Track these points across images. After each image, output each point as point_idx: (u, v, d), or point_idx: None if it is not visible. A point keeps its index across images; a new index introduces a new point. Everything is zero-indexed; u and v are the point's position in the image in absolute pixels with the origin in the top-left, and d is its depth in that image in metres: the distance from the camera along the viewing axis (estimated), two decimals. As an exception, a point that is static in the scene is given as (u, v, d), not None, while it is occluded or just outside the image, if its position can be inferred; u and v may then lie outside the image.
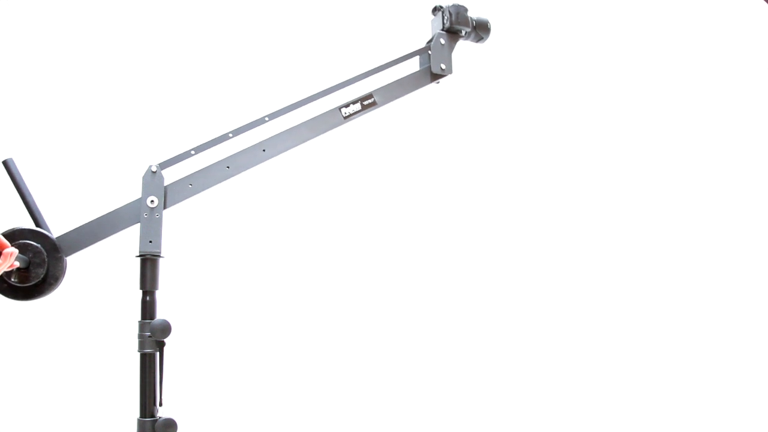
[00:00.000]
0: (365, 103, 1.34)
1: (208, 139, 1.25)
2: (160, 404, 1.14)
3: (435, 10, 1.44)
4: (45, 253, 1.08)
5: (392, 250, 2.01)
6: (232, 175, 1.24)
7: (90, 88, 1.80)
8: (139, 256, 1.16)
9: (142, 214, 1.16)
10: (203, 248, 1.83)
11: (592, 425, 2.03)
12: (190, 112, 1.83)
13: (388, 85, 1.38)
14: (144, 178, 1.18)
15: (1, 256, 0.93)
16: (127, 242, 1.20)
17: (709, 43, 2.32)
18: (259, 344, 1.85)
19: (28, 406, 1.67)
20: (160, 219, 1.16)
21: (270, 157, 1.26)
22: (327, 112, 1.32)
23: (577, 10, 2.22)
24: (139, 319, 1.15)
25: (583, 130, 2.21)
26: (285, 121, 1.31)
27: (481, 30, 1.43)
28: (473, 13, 1.43)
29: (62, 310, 1.72)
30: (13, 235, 1.08)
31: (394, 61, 1.40)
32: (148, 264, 1.16)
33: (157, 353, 1.13)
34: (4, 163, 1.12)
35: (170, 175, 1.22)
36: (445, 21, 1.40)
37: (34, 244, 1.08)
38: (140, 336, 1.14)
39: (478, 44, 1.47)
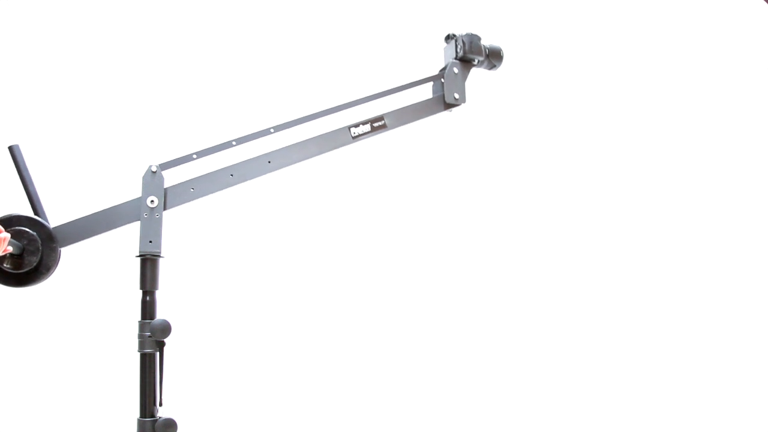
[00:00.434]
0: (375, 125, 1.34)
1: (212, 145, 1.25)
2: (160, 404, 1.14)
3: (448, 38, 1.44)
4: (40, 242, 1.08)
5: (392, 249, 2.01)
6: (236, 184, 1.24)
7: (106, 88, 1.81)
8: (139, 256, 1.16)
9: (142, 214, 1.16)
10: (203, 248, 1.83)
11: (593, 425, 2.03)
12: (200, 115, 1.83)
13: (401, 109, 1.37)
14: (144, 178, 1.18)
15: None
16: (127, 242, 1.20)
17: (710, 44, 2.32)
18: (258, 344, 1.85)
19: (29, 406, 1.67)
20: (160, 219, 1.16)
21: (275, 170, 1.27)
22: (336, 130, 1.32)
23: (577, 22, 2.22)
24: (139, 319, 1.15)
25: (582, 133, 2.21)
26: (290, 134, 1.31)
27: (494, 58, 1.43)
28: (486, 41, 1.43)
29: (62, 310, 1.72)
30: (9, 221, 1.08)
31: (406, 85, 1.39)
32: (148, 264, 1.16)
33: (157, 353, 1.13)
34: (10, 148, 1.12)
35: (173, 177, 1.22)
36: (458, 50, 1.40)
37: (30, 231, 1.08)
38: (140, 336, 1.14)
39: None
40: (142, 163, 1.21)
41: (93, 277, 1.72)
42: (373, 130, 1.33)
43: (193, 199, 1.21)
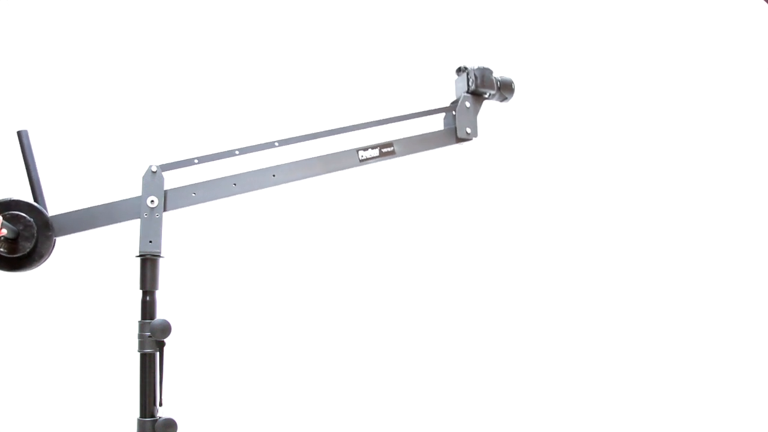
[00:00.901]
0: (384, 150, 1.34)
1: (215, 152, 1.25)
2: (160, 404, 1.14)
3: (459, 70, 1.43)
4: (36, 228, 1.09)
5: (392, 250, 2.01)
6: (238, 193, 1.24)
7: (122, 87, 1.82)
8: (139, 256, 1.16)
9: (142, 214, 1.16)
10: (203, 248, 1.83)
11: (592, 425, 2.03)
12: (211, 120, 1.84)
13: (411, 138, 1.37)
14: (144, 178, 1.18)
15: None
16: (127, 242, 1.20)
17: (712, 46, 2.32)
18: (258, 344, 1.85)
19: (29, 406, 1.67)
20: (160, 219, 1.16)
21: (279, 183, 1.27)
22: (344, 151, 1.32)
23: (583, 45, 2.22)
24: (139, 319, 1.15)
25: (584, 143, 2.21)
26: (295, 149, 1.30)
27: (505, 90, 1.43)
28: (497, 73, 1.42)
29: (62, 310, 1.72)
30: (8, 205, 1.08)
31: (417, 113, 1.39)
32: (148, 264, 1.16)
33: (157, 353, 1.13)
34: (18, 133, 1.12)
35: (174, 179, 1.22)
36: (470, 83, 1.40)
37: (27, 217, 1.09)
38: (140, 336, 1.14)
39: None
40: (149, 162, 1.21)
41: (93, 277, 1.72)
42: (381, 155, 1.33)
43: (193, 204, 1.21)
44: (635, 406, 2.07)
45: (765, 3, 2.35)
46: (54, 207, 1.15)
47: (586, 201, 2.14)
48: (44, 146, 1.21)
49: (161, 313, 1.17)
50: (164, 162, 1.21)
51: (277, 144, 1.28)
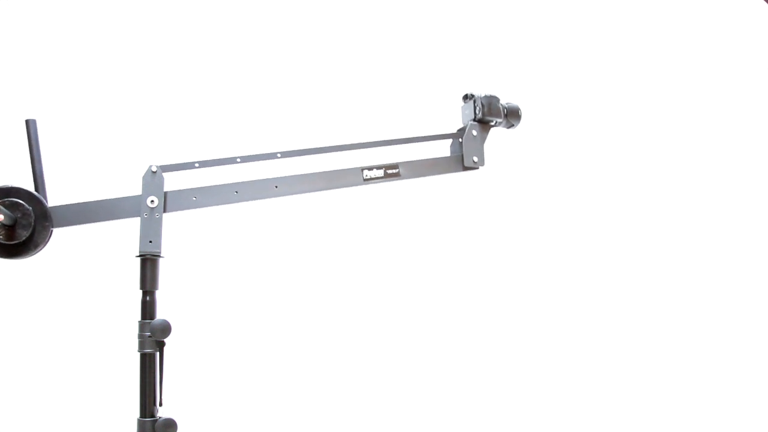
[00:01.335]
0: (389, 171, 1.33)
1: (217, 157, 1.25)
2: (160, 404, 1.14)
3: (466, 97, 1.43)
4: (33, 217, 1.09)
5: (392, 250, 2.01)
6: (238, 201, 1.24)
7: (132, 88, 1.84)
8: (139, 256, 1.16)
9: (142, 214, 1.16)
10: (203, 248, 1.83)
11: (593, 425, 2.03)
12: (218, 123, 1.84)
13: (417, 161, 1.36)
14: (144, 177, 1.18)
15: None
16: (127, 242, 1.20)
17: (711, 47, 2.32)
18: (258, 344, 1.85)
19: (29, 406, 1.67)
20: (160, 219, 1.16)
21: (280, 195, 1.26)
22: (349, 169, 1.31)
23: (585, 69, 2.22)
24: (139, 319, 1.15)
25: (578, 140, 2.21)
26: (298, 161, 1.30)
27: (512, 117, 1.42)
28: (504, 100, 1.42)
29: (63, 310, 1.72)
30: (8, 192, 1.08)
31: (424, 137, 1.38)
32: (148, 264, 1.16)
33: (157, 353, 1.13)
34: (26, 122, 1.13)
35: (176, 180, 1.22)
36: (477, 111, 1.39)
37: (26, 205, 1.09)
38: (140, 336, 1.14)
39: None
40: (155, 161, 1.21)
41: (93, 277, 1.72)
42: (386, 176, 1.32)
43: (194, 208, 1.21)
44: (636, 408, 2.07)
45: (765, 3, 2.35)
46: (55, 199, 1.15)
47: (589, 213, 2.14)
48: (54, 139, 1.22)
49: (161, 313, 1.17)
50: (165, 163, 1.21)
51: (279, 155, 1.28)
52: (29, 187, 1.13)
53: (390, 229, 2.02)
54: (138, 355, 1.15)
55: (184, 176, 1.24)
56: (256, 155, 1.27)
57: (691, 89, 2.27)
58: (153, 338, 1.13)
